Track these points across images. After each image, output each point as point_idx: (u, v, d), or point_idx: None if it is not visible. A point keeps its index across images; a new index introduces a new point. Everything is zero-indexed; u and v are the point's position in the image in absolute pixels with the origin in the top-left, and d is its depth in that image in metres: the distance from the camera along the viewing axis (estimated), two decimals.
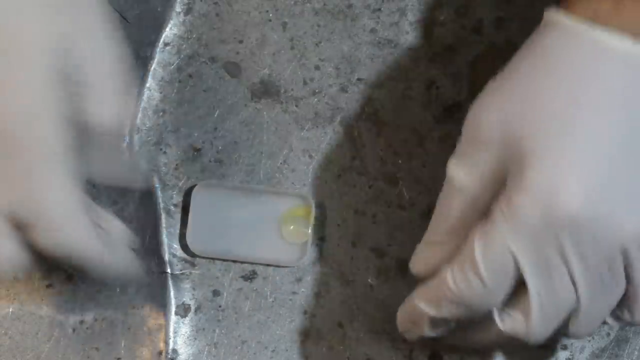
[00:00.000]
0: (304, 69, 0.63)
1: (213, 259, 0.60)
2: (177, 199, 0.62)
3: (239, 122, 0.62)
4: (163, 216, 0.61)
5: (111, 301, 0.60)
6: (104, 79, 0.51)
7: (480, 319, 0.52)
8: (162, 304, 0.60)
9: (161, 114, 0.62)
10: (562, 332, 0.52)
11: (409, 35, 0.63)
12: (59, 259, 0.51)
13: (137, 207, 0.61)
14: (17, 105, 0.47)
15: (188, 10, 0.63)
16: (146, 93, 0.62)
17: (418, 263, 0.54)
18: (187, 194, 0.61)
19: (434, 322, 0.53)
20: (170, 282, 0.61)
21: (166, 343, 0.60)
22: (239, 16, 0.63)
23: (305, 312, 0.61)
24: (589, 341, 0.61)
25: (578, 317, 0.51)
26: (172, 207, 0.61)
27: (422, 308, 0.53)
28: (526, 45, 0.52)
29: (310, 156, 0.62)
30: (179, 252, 0.61)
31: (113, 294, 0.60)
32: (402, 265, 0.60)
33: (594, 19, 0.50)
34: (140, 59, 0.63)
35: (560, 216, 0.48)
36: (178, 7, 0.63)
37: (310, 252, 0.61)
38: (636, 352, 0.61)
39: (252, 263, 0.61)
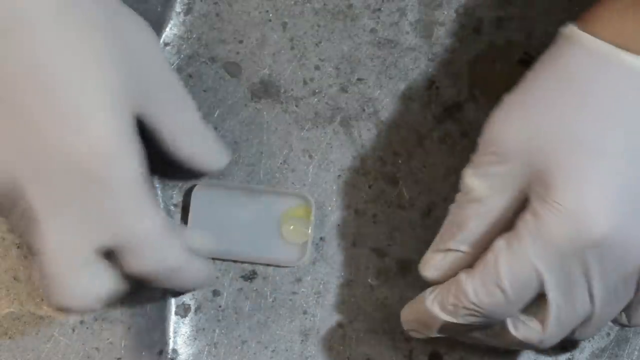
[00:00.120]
0: (304, 69, 0.63)
1: (213, 258, 0.60)
2: (177, 198, 0.62)
3: (239, 122, 0.62)
4: None
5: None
6: (182, 125, 0.55)
7: (492, 324, 0.54)
8: (162, 304, 0.60)
9: None
10: (568, 336, 0.54)
11: (409, 35, 0.63)
12: (153, 280, 0.53)
13: None
14: (99, 146, 0.48)
15: (188, 10, 0.63)
16: None
17: (430, 268, 0.55)
18: (187, 194, 0.61)
19: (447, 326, 0.53)
20: None
21: (166, 343, 0.60)
22: (239, 16, 0.63)
23: (305, 312, 0.61)
24: (589, 341, 0.61)
25: (589, 324, 0.53)
26: (172, 207, 0.61)
27: (437, 314, 0.53)
28: (547, 60, 0.52)
29: (310, 156, 0.62)
30: None
31: None
32: (402, 265, 0.60)
33: (617, 40, 0.50)
34: None
35: (589, 238, 0.49)
36: (178, 7, 0.63)
37: (311, 252, 0.61)
38: (636, 352, 0.61)
39: (252, 263, 0.61)
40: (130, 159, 0.49)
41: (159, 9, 0.63)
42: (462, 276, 0.52)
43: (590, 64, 0.50)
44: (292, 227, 0.60)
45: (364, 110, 0.63)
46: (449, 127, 0.62)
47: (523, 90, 0.52)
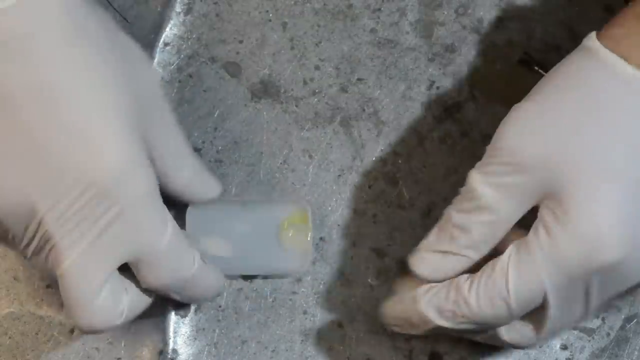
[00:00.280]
0: (304, 69, 0.63)
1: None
2: None
3: (239, 122, 0.62)
4: None
5: None
6: (177, 151, 0.55)
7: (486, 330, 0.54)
8: (162, 304, 0.60)
9: None
10: None
11: (409, 35, 0.63)
12: (168, 291, 0.53)
13: None
14: (111, 164, 0.48)
15: (188, 10, 0.63)
16: None
17: (428, 268, 0.54)
18: (181, 214, 0.59)
19: (438, 329, 0.54)
20: None
21: (166, 343, 0.60)
22: (239, 16, 0.63)
23: (305, 312, 0.61)
24: (589, 341, 0.61)
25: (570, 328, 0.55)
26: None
27: (432, 318, 0.53)
28: (568, 72, 0.52)
29: (310, 156, 0.62)
30: None
31: None
32: (402, 265, 0.60)
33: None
34: None
35: (601, 263, 0.50)
36: (178, 7, 0.63)
37: (311, 256, 0.60)
38: (636, 352, 0.61)
39: (253, 277, 0.61)
40: (142, 175, 0.49)
41: (159, 9, 0.63)
42: (464, 284, 0.52)
43: (615, 86, 0.50)
44: (291, 234, 0.60)
45: (364, 110, 0.63)
46: (449, 127, 0.62)
47: (540, 99, 0.52)
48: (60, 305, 0.59)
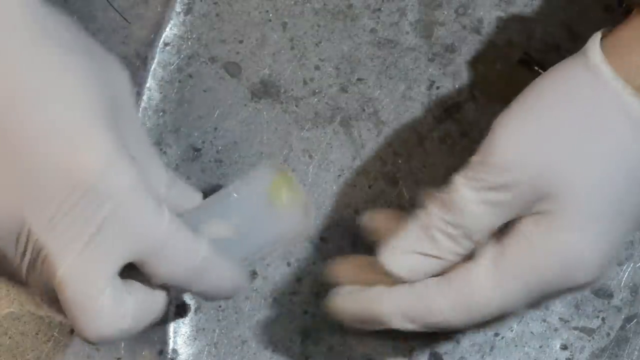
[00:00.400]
0: (304, 69, 0.63)
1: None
2: None
3: (239, 122, 0.62)
4: None
5: None
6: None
7: None
8: None
9: (161, 114, 0.62)
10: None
11: (409, 35, 0.63)
12: (183, 284, 0.50)
13: None
14: (95, 161, 0.46)
15: (188, 10, 0.63)
16: (146, 93, 0.63)
17: (404, 268, 0.53)
18: None
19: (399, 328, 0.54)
20: None
21: (166, 343, 0.60)
22: (239, 16, 0.63)
23: (305, 312, 0.61)
24: (589, 341, 0.61)
25: None
26: None
27: (395, 322, 0.53)
28: (568, 83, 0.51)
29: (310, 156, 0.62)
30: None
31: None
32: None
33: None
34: (140, 59, 0.63)
35: (575, 283, 0.51)
36: (178, 7, 0.63)
37: (314, 214, 0.58)
38: (636, 352, 0.61)
39: (266, 257, 0.59)
40: (127, 166, 0.47)
41: (159, 9, 0.63)
42: (435, 290, 0.52)
43: (614, 111, 0.50)
44: (284, 197, 0.58)
45: (364, 110, 0.63)
46: (449, 127, 0.62)
47: (539, 112, 0.51)
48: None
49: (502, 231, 0.52)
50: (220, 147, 0.62)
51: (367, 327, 0.55)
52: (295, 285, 0.61)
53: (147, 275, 0.49)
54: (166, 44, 0.63)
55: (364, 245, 0.61)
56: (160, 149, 0.62)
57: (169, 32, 0.63)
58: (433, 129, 0.62)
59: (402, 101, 0.63)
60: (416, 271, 0.53)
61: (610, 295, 0.61)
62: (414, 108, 0.63)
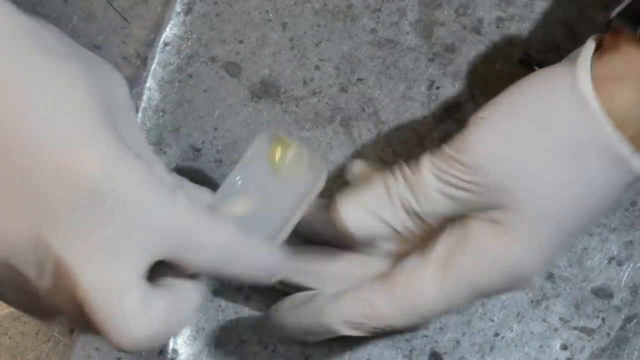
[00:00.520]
0: (304, 69, 0.63)
1: None
2: None
3: (239, 122, 0.62)
4: None
5: None
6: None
7: None
8: None
9: (161, 114, 0.62)
10: None
11: (409, 35, 0.63)
12: (220, 271, 0.48)
13: None
14: (96, 161, 0.44)
15: (188, 10, 0.63)
16: (146, 93, 0.63)
17: (355, 223, 0.53)
18: None
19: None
20: None
21: (166, 343, 0.60)
22: (239, 16, 0.63)
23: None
24: (589, 341, 0.61)
25: None
26: None
27: (339, 330, 0.54)
28: (547, 93, 0.51)
29: None
30: None
31: None
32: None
33: (616, 109, 0.50)
34: (140, 59, 0.63)
35: (512, 289, 0.54)
36: (178, 7, 0.63)
37: (324, 166, 0.55)
38: (636, 352, 0.61)
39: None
40: (133, 166, 0.45)
41: (159, 9, 0.63)
42: (375, 294, 0.53)
43: (589, 141, 0.50)
44: (288, 160, 0.56)
45: (364, 110, 0.63)
46: (449, 127, 0.62)
47: (521, 124, 0.51)
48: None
49: (447, 233, 0.53)
50: (220, 147, 0.62)
51: (315, 338, 0.55)
52: None
53: (178, 267, 0.47)
54: (166, 44, 0.63)
55: None
56: (160, 149, 0.62)
57: (169, 32, 0.63)
58: (433, 129, 0.62)
59: (402, 101, 0.63)
60: (364, 231, 0.53)
61: (610, 295, 0.61)
62: (414, 108, 0.63)
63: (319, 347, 0.60)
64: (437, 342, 0.60)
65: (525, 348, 0.60)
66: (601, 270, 0.62)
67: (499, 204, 0.51)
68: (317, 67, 0.63)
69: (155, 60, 0.63)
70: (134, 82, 0.61)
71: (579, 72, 0.51)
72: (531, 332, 0.61)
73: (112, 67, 0.50)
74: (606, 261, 0.62)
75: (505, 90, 0.53)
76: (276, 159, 0.54)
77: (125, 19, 0.63)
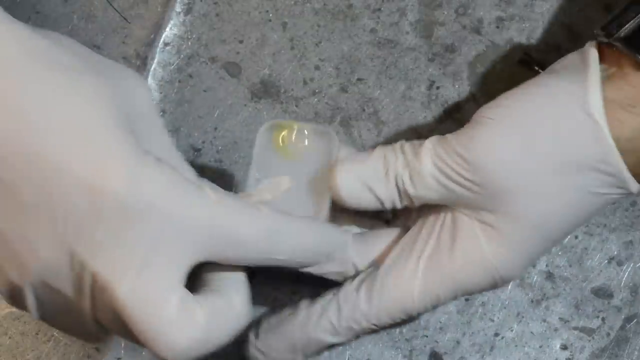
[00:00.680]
0: (304, 69, 0.63)
1: None
2: None
3: (239, 122, 0.62)
4: None
5: None
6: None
7: None
8: None
9: (161, 114, 0.62)
10: None
11: (409, 35, 0.63)
12: (270, 256, 0.47)
13: None
14: (119, 173, 0.43)
15: (188, 10, 0.63)
16: None
17: (346, 189, 0.53)
18: None
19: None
20: None
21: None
22: (239, 16, 0.63)
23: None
24: (589, 341, 0.61)
25: None
26: None
27: (326, 340, 0.54)
28: (559, 106, 0.52)
29: None
30: None
31: None
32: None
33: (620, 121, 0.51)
34: (140, 59, 0.63)
35: (491, 289, 0.54)
36: (178, 7, 0.63)
37: (332, 135, 0.56)
38: (636, 352, 0.61)
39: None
40: (155, 173, 0.45)
41: (159, 9, 0.63)
42: (357, 297, 0.53)
43: (594, 162, 0.51)
44: (293, 140, 0.56)
45: (364, 110, 0.63)
46: (449, 127, 0.62)
47: (522, 123, 0.52)
48: None
49: (432, 229, 0.54)
50: (220, 147, 0.62)
51: (304, 356, 0.55)
52: (296, 285, 0.61)
53: (224, 263, 0.46)
54: (166, 44, 0.63)
55: None
56: None
57: (169, 32, 0.63)
58: (433, 129, 0.62)
59: (402, 101, 0.63)
60: (354, 200, 0.54)
61: (610, 295, 0.61)
62: (414, 108, 0.63)
63: None
64: (437, 342, 0.60)
65: (525, 348, 0.60)
66: (601, 270, 0.62)
67: (492, 205, 0.51)
68: (317, 67, 0.63)
69: (155, 60, 0.63)
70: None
71: (591, 94, 0.51)
72: (531, 332, 0.61)
73: (133, 73, 0.50)
74: (606, 261, 0.62)
75: (514, 93, 0.53)
76: (281, 143, 0.55)
77: (125, 19, 0.63)
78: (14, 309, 0.60)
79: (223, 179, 0.62)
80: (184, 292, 0.45)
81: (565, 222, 0.52)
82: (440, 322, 0.60)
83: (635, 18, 0.52)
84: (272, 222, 0.47)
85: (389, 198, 0.53)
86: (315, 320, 0.54)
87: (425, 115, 0.63)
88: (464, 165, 0.51)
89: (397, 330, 0.59)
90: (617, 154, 0.50)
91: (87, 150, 0.44)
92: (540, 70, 0.61)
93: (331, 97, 0.63)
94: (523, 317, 0.61)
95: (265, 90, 0.63)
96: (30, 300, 0.45)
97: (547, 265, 0.61)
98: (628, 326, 0.61)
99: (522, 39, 0.63)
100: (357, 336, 0.54)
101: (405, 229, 0.56)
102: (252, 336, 0.56)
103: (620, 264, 0.61)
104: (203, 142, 0.62)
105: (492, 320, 0.61)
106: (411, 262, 0.53)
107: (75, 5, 0.63)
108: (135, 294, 0.44)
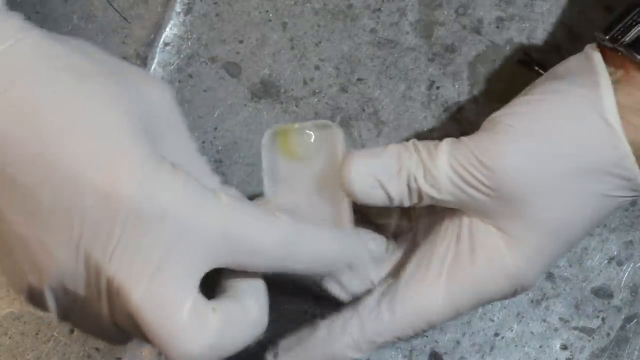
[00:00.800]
0: (304, 69, 0.63)
1: None
2: None
3: (239, 122, 0.62)
4: None
5: None
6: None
7: None
8: None
9: None
10: None
11: (409, 35, 0.63)
12: (286, 264, 0.47)
13: None
14: (132, 180, 0.44)
15: (188, 10, 0.63)
16: None
17: (356, 183, 0.53)
18: None
19: None
20: None
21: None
22: (239, 16, 0.63)
23: (305, 312, 0.61)
24: (589, 341, 0.61)
25: None
26: None
27: (350, 356, 0.53)
28: (578, 114, 0.52)
29: None
30: None
31: None
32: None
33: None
34: (140, 59, 0.63)
35: (512, 296, 0.54)
36: (178, 7, 0.63)
37: (335, 129, 0.56)
38: (636, 352, 0.61)
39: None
40: (170, 175, 0.45)
41: (159, 9, 0.63)
42: (385, 314, 0.52)
43: (610, 168, 0.51)
44: (297, 143, 0.55)
45: (364, 110, 0.63)
46: (449, 127, 0.62)
47: (541, 132, 0.52)
48: None
49: (450, 237, 0.53)
50: (220, 147, 0.62)
51: None
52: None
53: (239, 269, 0.46)
54: (166, 44, 0.63)
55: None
56: None
57: (169, 32, 0.63)
58: (433, 129, 0.62)
59: (402, 101, 0.63)
60: (364, 194, 0.53)
61: (610, 295, 0.61)
62: (414, 108, 0.63)
63: None
64: (437, 342, 0.60)
65: (525, 348, 0.60)
66: (601, 270, 0.62)
67: (508, 211, 0.51)
68: (317, 67, 0.63)
69: (155, 60, 0.63)
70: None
71: (605, 99, 0.51)
72: (531, 332, 0.61)
73: (154, 80, 0.50)
74: (606, 261, 0.62)
75: (527, 100, 0.53)
76: (288, 148, 0.55)
77: (125, 19, 0.63)
78: (14, 309, 0.60)
79: (223, 179, 0.62)
80: (197, 298, 0.45)
81: (581, 226, 0.52)
82: None
83: None
84: (289, 229, 0.47)
85: (399, 196, 0.53)
86: (336, 336, 0.53)
87: (425, 115, 0.63)
88: (482, 171, 0.51)
89: None
90: (633, 158, 0.51)
91: (102, 155, 0.44)
92: (540, 71, 0.61)
93: (331, 97, 0.63)
94: (523, 317, 0.61)
95: (265, 90, 0.63)
96: (51, 302, 0.46)
97: None
98: (628, 326, 0.61)
99: (522, 39, 0.63)
100: (380, 348, 0.54)
101: (412, 242, 0.56)
102: (270, 358, 0.55)
103: (620, 264, 0.61)
104: (203, 142, 0.62)
105: (492, 320, 0.61)
106: (432, 272, 0.53)
107: (75, 5, 0.63)
108: (148, 298, 0.44)
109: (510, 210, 0.51)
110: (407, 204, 0.53)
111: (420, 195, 0.53)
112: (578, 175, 0.51)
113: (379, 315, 0.52)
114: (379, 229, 0.58)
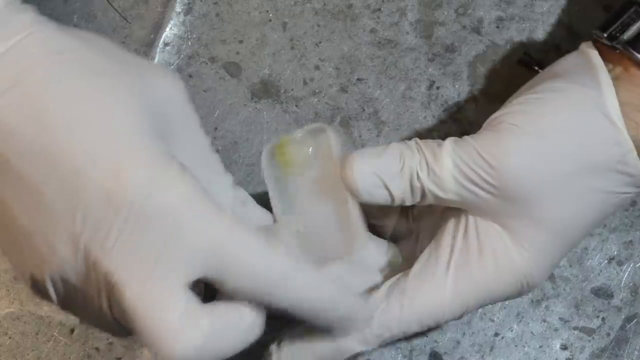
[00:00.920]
0: (304, 69, 0.63)
1: None
2: None
3: (239, 122, 0.62)
4: None
5: None
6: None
7: None
8: None
9: None
10: None
11: (409, 35, 0.63)
12: (272, 300, 0.46)
13: None
14: (133, 179, 0.44)
15: (188, 10, 0.63)
16: None
17: (358, 181, 0.52)
18: None
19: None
20: None
21: None
22: (239, 16, 0.63)
23: None
24: (589, 341, 0.61)
25: None
26: None
27: (357, 349, 0.53)
28: (582, 113, 0.52)
29: None
30: None
31: None
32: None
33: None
34: None
35: (519, 296, 0.54)
36: (178, 7, 0.63)
37: (334, 132, 0.55)
38: (636, 352, 0.61)
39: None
40: (173, 179, 0.45)
41: (159, 9, 0.63)
42: (394, 308, 0.52)
43: (615, 165, 0.51)
44: (294, 156, 0.55)
45: (364, 110, 0.63)
46: (449, 127, 0.62)
47: (546, 131, 0.52)
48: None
49: (456, 235, 0.53)
50: (220, 147, 0.62)
51: None
52: None
53: (224, 291, 0.46)
54: (166, 44, 0.63)
55: None
56: None
57: (169, 32, 0.63)
58: (433, 129, 0.62)
59: (402, 101, 0.63)
60: (367, 193, 0.53)
61: (610, 295, 0.61)
62: (414, 108, 0.63)
63: None
64: (437, 342, 0.60)
65: (525, 348, 0.60)
66: (601, 270, 0.62)
67: (513, 211, 0.51)
68: (317, 67, 0.63)
69: (155, 60, 0.63)
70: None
71: (607, 97, 0.51)
72: (531, 332, 0.61)
73: (166, 74, 0.49)
74: (606, 261, 0.62)
75: (529, 99, 0.53)
76: (286, 163, 0.54)
77: (125, 19, 0.63)
78: (14, 309, 0.60)
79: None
80: (190, 300, 0.45)
81: (585, 223, 0.52)
82: None
83: (638, 21, 0.52)
84: (282, 266, 0.46)
85: (400, 195, 0.53)
86: (349, 335, 0.53)
87: (425, 115, 0.63)
88: (487, 170, 0.51)
89: None
90: (636, 154, 0.51)
91: (108, 153, 0.44)
92: (540, 70, 0.61)
93: (331, 97, 0.63)
94: (523, 317, 0.61)
95: (265, 90, 0.63)
96: (52, 292, 0.46)
97: None
98: (628, 326, 0.61)
99: (522, 39, 0.63)
100: (385, 343, 0.53)
101: (415, 244, 0.56)
102: (274, 347, 0.55)
103: (620, 264, 0.61)
104: None
105: (492, 320, 0.61)
106: (440, 269, 0.52)
107: (75, 5, 0.63)
108: (141, 296, 0.44)
109: (515, 208, 0.51)
110: (409, 202, 0.53)
111: (423, 194, 0.53)
112: (582, 173, 0.51)
113: (388, 309, 0.52)
114: (376, 230, 0.58)
